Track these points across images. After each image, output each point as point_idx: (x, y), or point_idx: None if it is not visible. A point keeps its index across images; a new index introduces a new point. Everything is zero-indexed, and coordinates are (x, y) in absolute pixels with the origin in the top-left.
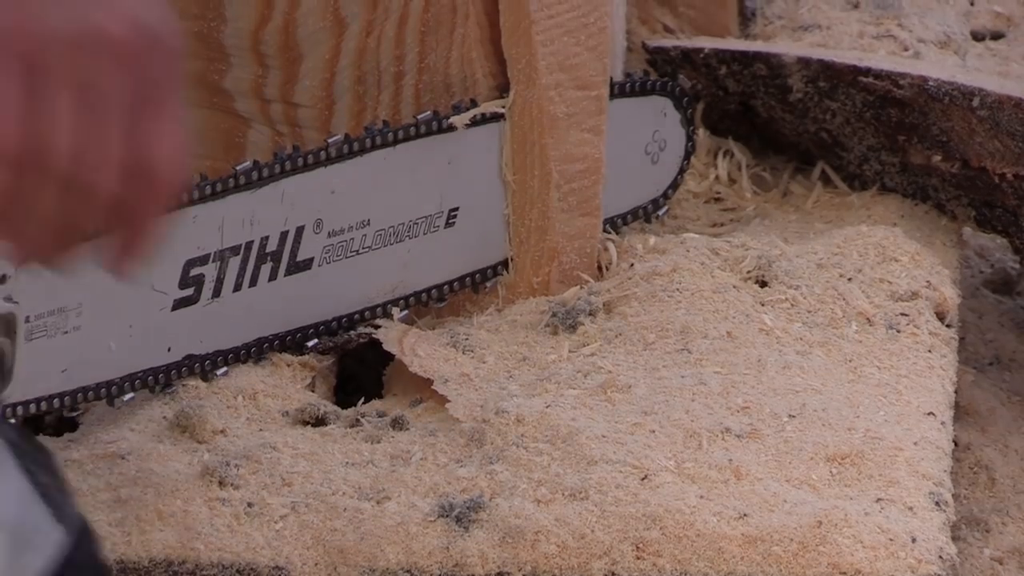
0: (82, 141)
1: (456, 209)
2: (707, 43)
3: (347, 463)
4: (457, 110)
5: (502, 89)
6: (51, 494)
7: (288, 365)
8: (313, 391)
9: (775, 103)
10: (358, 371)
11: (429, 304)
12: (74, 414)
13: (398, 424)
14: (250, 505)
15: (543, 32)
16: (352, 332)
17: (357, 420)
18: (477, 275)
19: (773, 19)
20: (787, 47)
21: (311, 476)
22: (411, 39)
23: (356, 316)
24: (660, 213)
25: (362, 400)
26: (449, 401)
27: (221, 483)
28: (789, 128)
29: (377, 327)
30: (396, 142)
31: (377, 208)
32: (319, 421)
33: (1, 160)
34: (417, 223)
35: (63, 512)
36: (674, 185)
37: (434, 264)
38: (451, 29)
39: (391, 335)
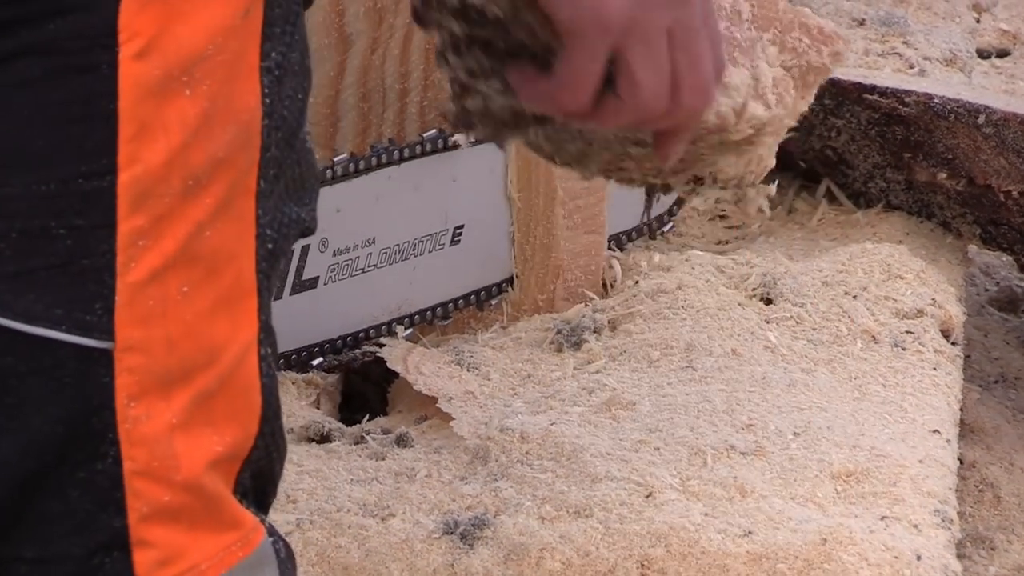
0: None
1: (461, 227)
2: None
3: (352, 480)
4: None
5: None
6: None
7: (293, 383)
8: (318, 408)
9: None
10: (363, 389)
11: (434, 322)
12: None
13: (403, 441)
14: None
15: None
16: (357, 350)
17: (362, 437)
18: (482, 292)
19: None
20: None
21: (316, 493)
22: (416, 56)
23: (361, 334)
24: (665, 229)
25: (367, 417)
26: (453, 419)
27: None
28: (794, 145)
29: (382, 345)
30: (401, 160)
31: (382, 226)
32: (324, 438)
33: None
34: (422, 241)
35: None
36: (679, 201)
37: (439, 282)
38: None
39: (395, 353)
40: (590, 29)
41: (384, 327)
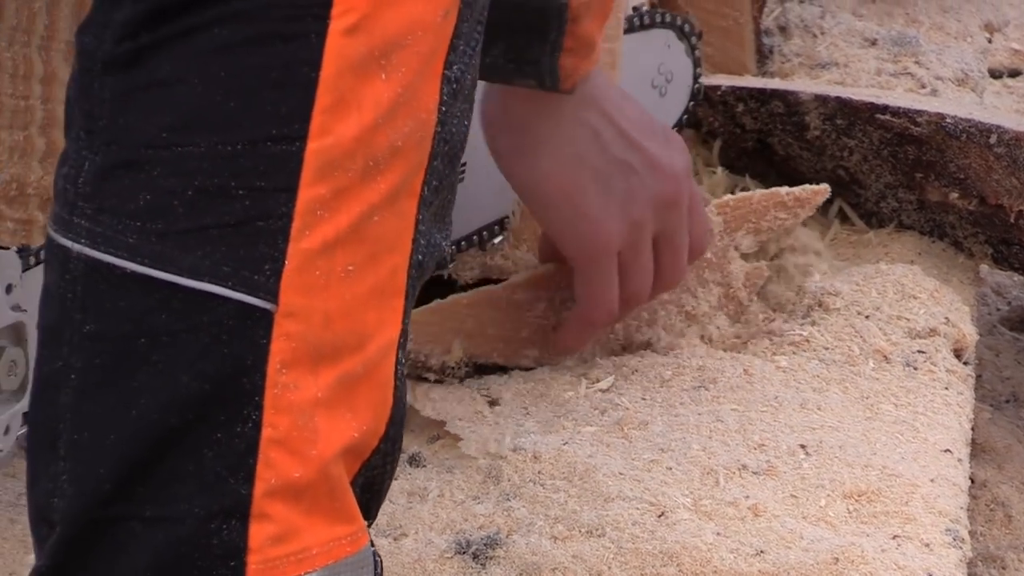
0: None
1: (464, 164)
2: (724, 80)
3: None
4: None
5: None
6: None
7: None
8: None
9: (792, 140)
10: None
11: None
12: None
13: (415, 461)
14: None
15: None
16: None
17: None
18: (484, 232)
19: (791, 57)
20: (804, 85)
21: None
22: None
23: None
24: None
25: None
26: (461, 439)
27: None
28: (806, 166)
29: None
30: None
31: None
32: None
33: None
34: None
35: None
36: (686, 111)
37: None
38: None
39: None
40: (599, 253)
41: None
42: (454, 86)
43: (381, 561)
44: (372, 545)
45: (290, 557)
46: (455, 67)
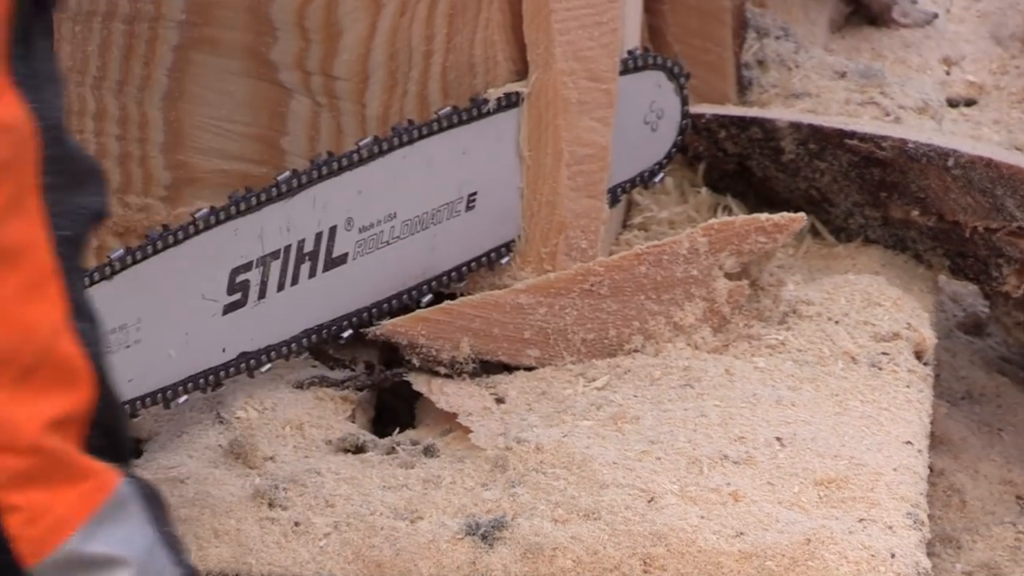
0: None
1: (475, 194)
2: (708, 109)
3: (384, 486)
4: (475, 102)
5: (519, 74)
6: (171, 542)
7: (331, 398)
8: (353, 422)
9: (769, 163)
10: (393, 404)
11: (451, 285)
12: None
13: (430, 451)
14: (297, 524)
15: (560, 22)
16: (387, 372)
17: (393, 448)
18: (493, 253)
19: (768, 88)
20: (780, 113)
21: (351, 498)
22: (440, 20)
23: (385, 305)
24: (656, 180)
25: (397, 430)
26: (472, 431)
27: (271, 504)
28: (782, 186)
29: (410, 370)
30: (413, 140)
31: (402, 201)
32: (359, 449)
33: None
34: (440, 211)
35: (180, 558)
36: (675, 145)
37: (459, 246)
38: (476, 12)
39: (420, 378)
40: None
41: (408, 294)
42: (34, 80)
43: (150, 485)
44: (131, 479)
45: (51, 529)
46: (24, 62)
